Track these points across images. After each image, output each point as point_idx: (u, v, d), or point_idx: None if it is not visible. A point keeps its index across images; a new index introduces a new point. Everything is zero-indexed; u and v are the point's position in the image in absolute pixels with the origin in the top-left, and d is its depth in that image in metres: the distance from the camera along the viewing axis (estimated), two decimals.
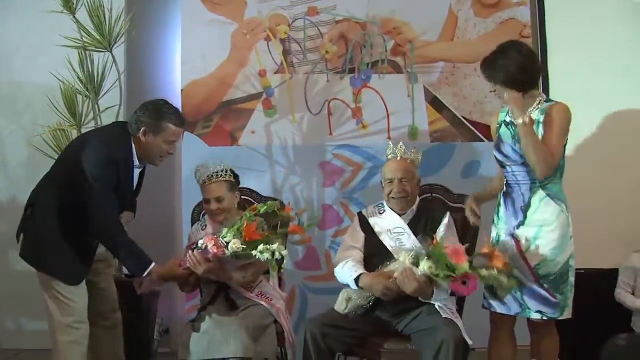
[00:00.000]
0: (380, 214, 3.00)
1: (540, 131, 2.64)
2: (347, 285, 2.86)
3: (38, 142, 3.64)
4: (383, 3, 3.89)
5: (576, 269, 2.75)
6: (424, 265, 2.57)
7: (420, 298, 2.71)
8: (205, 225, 3.09)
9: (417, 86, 3.89)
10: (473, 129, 3.89)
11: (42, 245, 2.77)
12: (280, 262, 2.72)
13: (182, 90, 3.88)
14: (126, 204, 2.88)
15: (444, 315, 2.69)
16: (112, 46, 3.62)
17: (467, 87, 3.90)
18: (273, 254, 2.62)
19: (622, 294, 3.42)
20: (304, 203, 3.86)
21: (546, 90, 3.82)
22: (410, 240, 2.87)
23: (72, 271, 2.77)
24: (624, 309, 3.41)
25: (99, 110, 3.65)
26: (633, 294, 3.41)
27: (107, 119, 3.52)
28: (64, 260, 2.75)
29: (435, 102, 3.90)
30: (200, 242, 2.71)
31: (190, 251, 2.75)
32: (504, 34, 3.76)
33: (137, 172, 2.88)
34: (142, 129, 2.77)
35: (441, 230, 2.87)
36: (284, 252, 2.65)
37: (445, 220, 2.95)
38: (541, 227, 2.69)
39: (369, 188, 3.80)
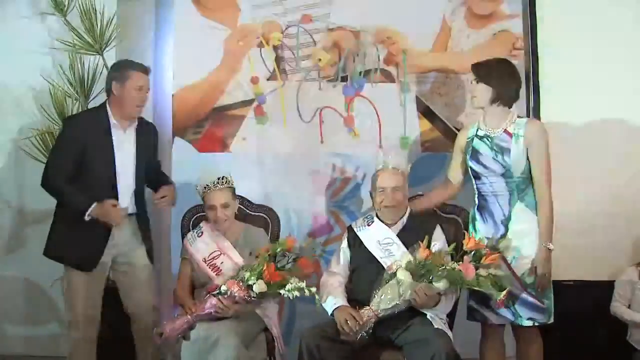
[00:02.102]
0: (369, 225, 3.02)
1: (521, 145, 2.81)
2: None
3: (27, 145, 3.64)
4: (377, 12, 3.89)
5: (568, 281, 2.85)
6: (440, 284, 2.66)
7: (423, 309, 2.76)
8: (202, 233, 3.10)
9: (410, 96, 3.90)
10: None
11: (50, 232, 3.07)
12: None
13: (173, 95, 3.88)
14: (137, 171, 3.07)
15: (435, 326, 2.73)
16: (104, 49, 3.62)
17: (459, 98, 3.91)
18: (300, 290, 2.68)
19: (619, 307, 3.48)
20: (295, 211, 3.86)
21: (537, 103, 3.88)
22: (399, 250, 2.89)
23: (82, 257, 2.98)
24: (618, 321, 3.47)
25: None
26: (629, 307, 3.46)
27: None
28: (71, 245, 2.98)
29: (427, 112, 3.92)
30: (224, 287, 2.75)
31: (214, 298, 2.76)
32: (497, 46, 3.83)
33: (122, 134, 3.02)
34: (111, 83, 3.00)
35: (435, 244, 2.88)
36: (313, 289, 2.68)
37: (437, 232, 2.98)
38: (523, 239, 2.83)
39: (359, 197, 3.82)
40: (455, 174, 3.11)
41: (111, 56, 3.67)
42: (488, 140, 2.88)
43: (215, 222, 3.06)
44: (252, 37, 3.89)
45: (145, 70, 3.06)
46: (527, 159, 2.83)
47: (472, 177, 2.98)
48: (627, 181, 3.85)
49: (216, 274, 2.95)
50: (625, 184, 3.85)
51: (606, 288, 3.53)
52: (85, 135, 2.96)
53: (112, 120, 3.01)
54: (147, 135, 3.18)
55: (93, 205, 2.91)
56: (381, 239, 2.95)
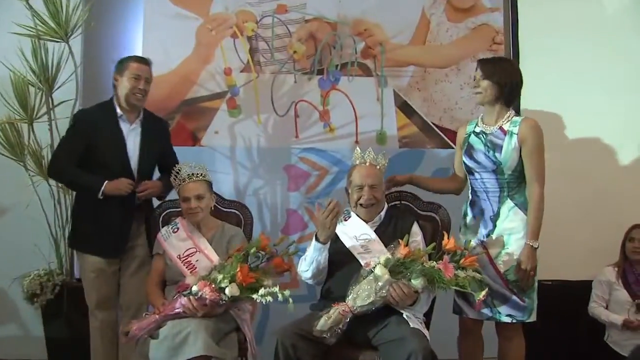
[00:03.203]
0: (346, 221, 2.98)
1: (514, 142, 2.84)
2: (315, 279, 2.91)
3: None
4: (354, 4, 3.90)
5: (546, 281, 2.87)
6: (417, 282, 2.64)
7: (398, 307, 2.73)
8: (177, 229, 3.07)
9: (387, 90, 3.91)
10: (443, 135, 3.93)
11: (73, 225, 3.27)
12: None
13: None
14: (145, 161, 3.19)
15: (412, 325, 2.69)
16: (69, 36, 3.54)
17: (438, 93, 3.94)
18: (273, 295, 2.64)
19: (596, 308, 3.48)
20: (268, 207, 3.84)
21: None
22: (377, 247, 2.87)
23: (107, 244, 3.11)
24: (596, 322, 3.50)
25: (52, 103, 3.56)
26: (607, 307, 3.47)
27: (61, 113, 3.46)
28: (96, 235, 3.10)
29: (404, 107, 3.93)
30: (195, 288, 2.71)
31: (184, 297, 2.73)
32: (476, 40, 3.89)
33: (128, 126, 3.15)
34: (114, 77, 3.15)
35: (412, 241, 2.87)
36: (287, 293, 2.63)
37: (414, 228, 2.96)
38: (510, 236, 2.87)
39: (335, 193, 3.79)
40: (458, 168, 3.15)
41: (77, 44, 3.61)
42: (483, 136, 2.93)
43: (188, 214, 3.03)
44: (225, 26, 3.85)
45: (144, 60, 3.16)
46: (520, 157, 2.87)
47: (466, 172, 3.03)
48: (609, 177, 3.92)
49: (191, 272, 2.92)
50: (607, 180, 3.92)
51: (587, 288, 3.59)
52: (93, 126, 3.09)
53: (119, 112, 3.14)
54: (154, 129, 3.25)
55: (105, 182, 3.02)
56: (358, 235, 2.92)
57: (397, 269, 2.68)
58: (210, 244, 3.02)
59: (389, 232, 2.92)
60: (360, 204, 2.93)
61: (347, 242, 2.93)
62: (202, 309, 2.71)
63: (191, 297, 2.70)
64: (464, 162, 2.99)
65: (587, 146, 3.92)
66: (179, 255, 2.99)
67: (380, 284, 2.64)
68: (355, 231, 2.94)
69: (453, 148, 3.74)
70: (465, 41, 3.90)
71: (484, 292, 2.63)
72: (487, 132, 2.93)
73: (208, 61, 3.85)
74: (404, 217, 3.03)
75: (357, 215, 2.97)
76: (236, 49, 3.87)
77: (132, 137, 3.16)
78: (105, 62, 3.71)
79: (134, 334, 2.72)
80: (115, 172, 3.06)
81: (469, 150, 2.96)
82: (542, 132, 2.87)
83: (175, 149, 3.58)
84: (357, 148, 3.04)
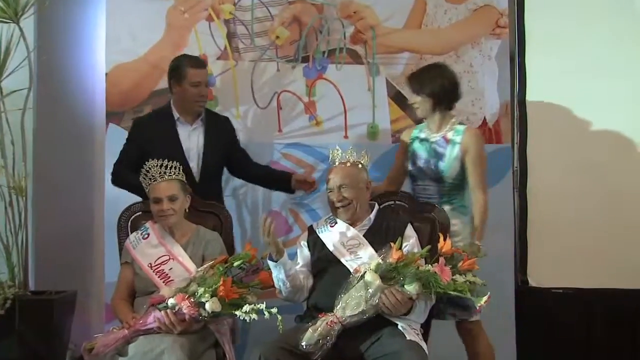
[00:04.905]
0: (332, 226, 2.94)
1: (456, 151, 3.06)
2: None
3: None
4: None
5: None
6: (411, 287, 2.58)
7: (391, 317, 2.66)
8: (148, 235, 3.00)
9: (379, 79, 3.87)
10: None
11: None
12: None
13: (106, 74, 3.73)
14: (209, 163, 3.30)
15: (408, 338, 2.60)
16: (20, 17, 3.41)
17: None
18: (259, 312, 2.60)
19: None
20: (248, 208, 3.78)
21: (522, 87, 3.87)
22: (367, 252, 2.81)
23: None
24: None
25: (1, 93, 3.43)
26: None
27: (12, 103, 3.35)
28: None
29: (398, 98, 3.86)
30: (171, 301, 2.64)
31: (158, 311, 2.66)
32: (478, 23, 3.81)
33: (188, 128, 3.29)
34: (170, 83, 3.29)
35: (406, 245, 2.80)
36: (274, 310, 2.57)
37: (408, 231, 2.89)
38: (452, 238, 2.94)
39: (322, 193, 3.60)
40: (398, 171, 3.29)
41: (29, 25, 3.49)
42: (427, 144, 3.14)
43: (160, 216, 2.95)
44: (199, 8, 3.78)
45: (199, 64, 3.30)
46: (462, 165, 3.07)
47: (409, 178, 3.22)
48: (618, 172, 3.85)
49: (164, 282, 2.86)
50: (615, 175, 3.85)
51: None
52: (147, 134, 3.26)
53: (176, 115, 3.30)
54: (217, 128, 3.37)
55: None
56: (345, 241, 2.87)
57: (389, 275, 2.63)
58: (185, 251, 2.95)
59: (380, 235, 2.85)
60: (336, 207, 2.91)
61: (334, 249, 2.88)
62: (180, 325, 2.64)
63: (168, 311, 2.63)
64: (409, 171, 3.19)
65: (594, 139, 3.85)
66: (150, 263, 2.93)
67: (370, 290, 2.59)
68: (341, 236, 2.90)
69: None
70: (465, 24, 3.84)
71: (485, 298, 2.55)
72: (431, 140, 3.13)
73: (181, 47, 3.74)
74: (397, 219, 2.97)
75: (344, 221, 2.92)
76: (212, 33, 3.80)
77: (194, 137, 3.30)
78: (63, 46, 3.61)
79: (98, 351, 2.65)
80: None
81: (413, 158, 3.15)
82: (483, 141, 3.17)
83: None
84: (330, 149, 3.00)
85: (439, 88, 3.06)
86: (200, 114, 3.32)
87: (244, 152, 3.47)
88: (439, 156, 3.07)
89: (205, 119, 3.32)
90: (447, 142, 3.08)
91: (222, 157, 3.37)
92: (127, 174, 3.22)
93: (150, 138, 3.22)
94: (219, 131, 3.37)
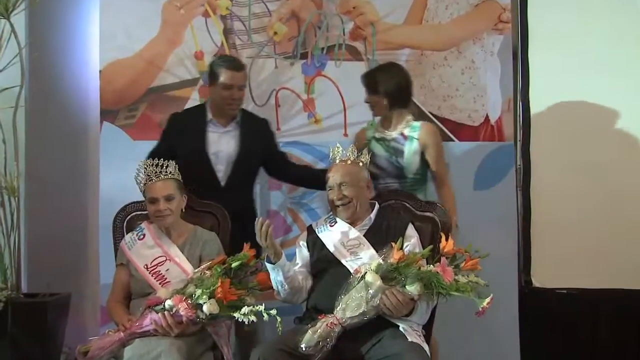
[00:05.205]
0: (332, 226, 2.93)
1: (414, 146, 3.18)
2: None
3: None
4: None
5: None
6: (412, 288, 2.55)
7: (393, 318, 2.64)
8: (143, 235, 2.97)
9: None
10: (442, 126, 3.82)
11: None
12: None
13: (100, 71, 3.70)
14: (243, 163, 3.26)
15: (410, 339, 2.58)
16: (10, 12, 3.38)
17: (436, 79, 3.86)
18: (258, 314, 2.59)
19: None
20: None
21: (525, 84, 3.86)
22: (367, 252, 2.80)
23: None
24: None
25: None
26: None
27: (4, 101, 3.31)
28: None
29: None
30: (168, 303, 2.63)
31: (155, 313, 2.66)
32: (480, 18, 3.80)
33: (221, 129, 3.25)
34: (207, 84, 3.38)
35: (407, 245, 2.80)
36: (273, 312, 2.56)
37: (409, 231, 2.88)
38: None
39: (321, 192, 3.59)
40: None
41: (20, 21, 3.46)
42: (384, 142, 3.24)
43: (156, 217, 2.93)
44: (195, 4, 3.76)
45: (236, 66, 3.23)
46: (422, 159, 3.19)
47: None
48: (622, 170, 3.84)
49: (160, 283, 2.85)
50: (619, 173, 3.84)
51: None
52: (177, 130, 3.28)
53: (209, 116, 3.28)
54: (253, 131, 3.32)
55: None
56: (345, 241, 2.86)
57: (390, 275, 2.61)
58: (182, 251, 2.93)
59: (381, 235, 2.84)
60: (336, 206, 2.90)
61: (334, 249, 2.87)
62: (177, 327, 2.62)
63: (165, 313, 2.61)
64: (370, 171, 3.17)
65: (597, 137, 3.84)
66: (146, 264, 2.91)
67: (371, 291, 2.57)
68: (342, 236, 2.88)
69: (453, 140, 3.81)
70: (467, 20, 3.82)
71: (488, 299, 2.51)
72: (388, 138, 3.23)
73: (176, 44, 3.74)
74: (398, 218, 2.96)
75: (344, 220, 2.91)
76: (208, 29, 3.77)
77: (225, 140, 3.26)
78: (56, 42, 3.58)
79: (93, 354, 2.63)
80: (196, 177, 3.10)
81: (372, 158, 3.11)
82: (440, 136, 3.30)
83: (140, 143, 3.52)
84: (330, 147, 2.99)
85: (395, 87, 3.17)
86: (235, 116, 3.28)
87: (282, 154, 3.47)
88: (398, 153, 3.19)
89: (241, 122, 3.28)
90: (405, 138, 3.19)
91: (257, 162, 3.35)
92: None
93: (179, 134, 3.24)
94: (255, 134, 3.33)
